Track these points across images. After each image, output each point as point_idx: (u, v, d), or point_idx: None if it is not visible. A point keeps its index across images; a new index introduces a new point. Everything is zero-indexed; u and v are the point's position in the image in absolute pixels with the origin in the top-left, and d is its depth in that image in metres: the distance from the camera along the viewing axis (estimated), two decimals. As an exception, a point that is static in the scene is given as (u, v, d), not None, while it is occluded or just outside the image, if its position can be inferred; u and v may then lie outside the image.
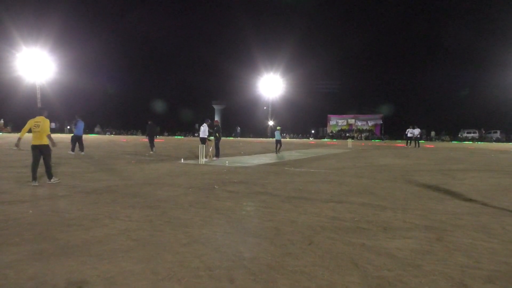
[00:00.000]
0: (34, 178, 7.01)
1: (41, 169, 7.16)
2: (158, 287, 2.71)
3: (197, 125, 52.69)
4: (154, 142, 17.33)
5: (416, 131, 25.87)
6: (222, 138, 15.27)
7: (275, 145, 18.37)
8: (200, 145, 12.88)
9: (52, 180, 7.23)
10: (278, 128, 19.11)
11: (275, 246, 3.65)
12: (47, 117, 7.29)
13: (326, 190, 7.07)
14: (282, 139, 19.38)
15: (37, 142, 7.01)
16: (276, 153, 17.92)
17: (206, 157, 12.96)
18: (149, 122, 17.50)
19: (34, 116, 7.21)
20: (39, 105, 41.94)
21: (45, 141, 7.10)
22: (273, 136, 57.90)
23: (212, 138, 14.12)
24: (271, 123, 59.61)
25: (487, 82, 48.02)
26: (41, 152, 7.07)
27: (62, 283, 2.73)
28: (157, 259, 3.25)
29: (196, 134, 51.04)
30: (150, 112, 60.09)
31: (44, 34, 44.86)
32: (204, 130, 13.97)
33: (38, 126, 7.02)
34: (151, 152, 16.44)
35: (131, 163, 11.85)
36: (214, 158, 13.46)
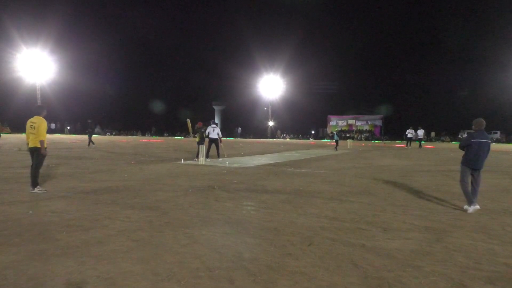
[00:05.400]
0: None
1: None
2: (158, 287, 2.71)
3: (196, 126, 52.60)
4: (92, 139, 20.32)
5: (420, 132, 25.99)
6: (221, 138, 15.23)
7: (335, 144, 22.89)
8: (199, 146, 12.82)
9: (36, 189, 6.33)
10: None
11: (275, 247, 3.65)
12: (45, 117, 6.50)
13: (326, 191, 7.07)
14: (283, 140, 20.83)
15: (32, 145, 6.28)
16: (336, 149, 21.99)
17: (210, 157, 12.96)
18: (89, 121, 20.01)
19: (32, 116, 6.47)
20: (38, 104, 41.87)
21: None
22: (273, 136, 58.31)
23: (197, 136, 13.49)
24: (271, 123, 59.76)
25: (487, 83, 47.99)
26: (33, 154, 6.37)
27: (62, 284, 2.73)
28: (157, 259, 3.25)
29: (195, 135, 51.00)
30: (151, 112, 60.24)
31: (44, 35, 45.01)
32: (212, 131, 13.51)
33: (33, 127, 6.25)
34: (89, 147, 19.11)
35: (131, 163, 11.85)
36: (219, 159, 13.52)
